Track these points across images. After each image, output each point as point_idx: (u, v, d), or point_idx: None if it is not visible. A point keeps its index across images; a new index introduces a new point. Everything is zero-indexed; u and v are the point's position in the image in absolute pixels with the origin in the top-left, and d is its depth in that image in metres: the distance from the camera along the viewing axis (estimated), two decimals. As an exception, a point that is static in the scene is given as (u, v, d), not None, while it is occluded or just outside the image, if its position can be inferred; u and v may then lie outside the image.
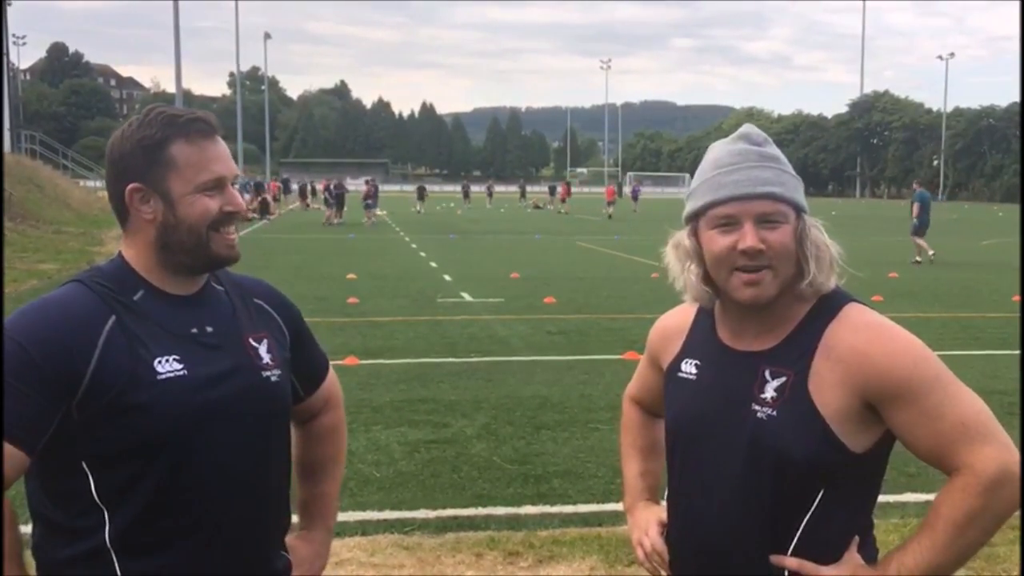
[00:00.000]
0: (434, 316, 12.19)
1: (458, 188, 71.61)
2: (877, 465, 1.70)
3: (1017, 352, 9.08)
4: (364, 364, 8.78)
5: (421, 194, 52.45)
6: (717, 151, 1.72)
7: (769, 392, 1.66)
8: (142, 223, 1.70)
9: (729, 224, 1.64)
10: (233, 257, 1.75)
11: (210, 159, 1.69)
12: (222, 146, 1.73)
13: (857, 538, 1.69)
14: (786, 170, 1.69)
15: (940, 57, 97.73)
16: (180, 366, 1.64)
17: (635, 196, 57.25)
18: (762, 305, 1.66)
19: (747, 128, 1.73)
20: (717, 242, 1.65)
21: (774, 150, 1.70)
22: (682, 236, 1.73)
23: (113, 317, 1.64)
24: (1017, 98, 72.71)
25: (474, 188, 64.91)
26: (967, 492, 1.56)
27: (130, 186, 1.69)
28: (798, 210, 1.67)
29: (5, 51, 35.42)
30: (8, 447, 1.53)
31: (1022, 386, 5.61)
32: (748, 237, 1.61)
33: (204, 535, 1.67)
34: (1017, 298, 12.98)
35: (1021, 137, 70.55)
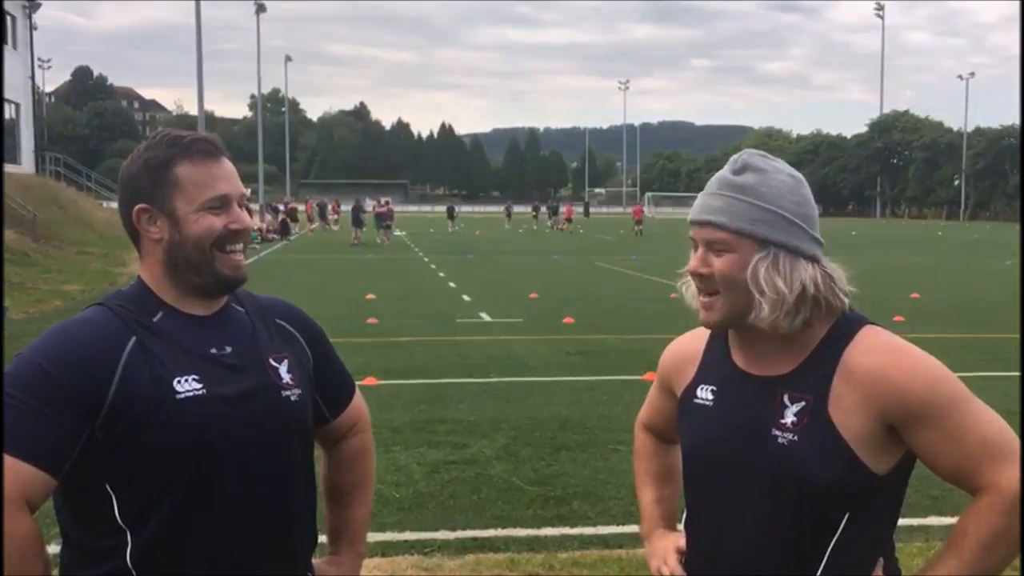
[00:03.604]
0: (453, 336, 12.20)
1: (477, 208, 72.05)
2: (899, 486, 1.69)
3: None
4: (383, 384, 8.80)
5: (451, 214, 53.35)
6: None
7: (789, 417, 1.66)
8: (151, 244, 1.73)
9: (693, 246, 1.72)
10: (239, 278, 1.76)
11: (214, 178, 1.71)
12: (227, 166, 1.75)
13: (882, 560, 1.68)
14: (745, 199, 1.65)
15: (960, 76, 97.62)
16: (199, 386, 1.65)
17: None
18: (712, 327, 1.73)
19: (736, 155, 1.76)
20: (689, 261, 1.73)
21: (749, 179, 1.67)
22: None
23: (133, 338, 1.65)
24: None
25: (492, 208, 65.67)
26: (993, 511, 1.56)
27: (137, 207, 1.72)
28: (764, 242, 1.64)
29: (31, 73, 35.95)
30: (34, 470, 1.54)
31: (1022, 397, 5.56)
32: (692, 260, 1.70)
33: (225, 555, 1.67)
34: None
35: (1021, 153, 69.90)
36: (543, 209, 61.98)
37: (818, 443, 1.62)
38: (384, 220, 37.76)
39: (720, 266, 1.65)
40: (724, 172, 1.72)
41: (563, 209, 58.39)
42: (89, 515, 1.66)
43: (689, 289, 1.77)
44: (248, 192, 1.85)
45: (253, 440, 1.70)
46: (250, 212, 1.83)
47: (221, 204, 1.71)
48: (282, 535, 1.76)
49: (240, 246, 1.76)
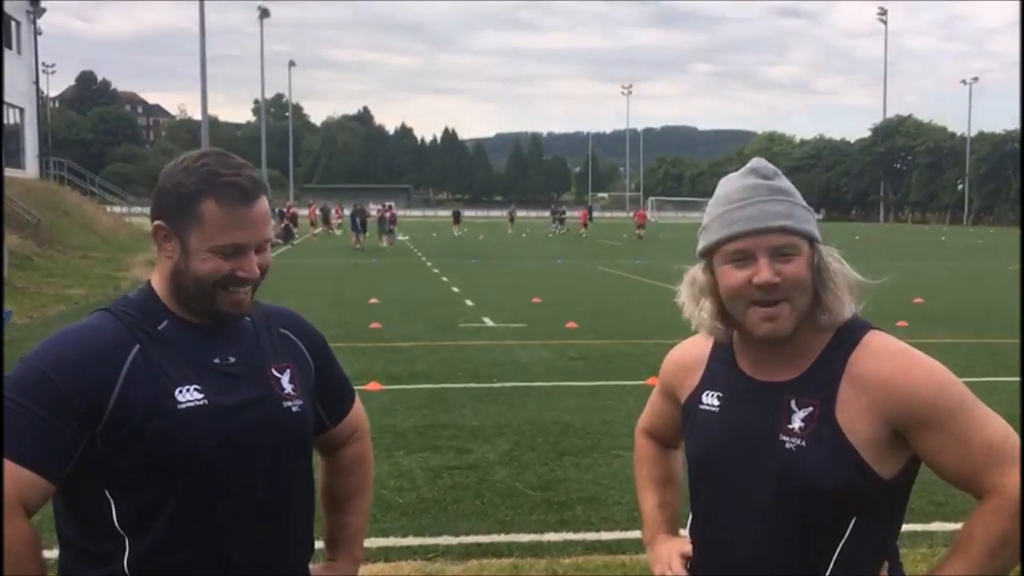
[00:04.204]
0: (456, 341, 12.20)
1: (480, 213, 71.97)
2: (904, 490, 1.70)
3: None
4: (386, 389, 8.80)
5: (457, 218, 53.47)
6: (728, 186, 1.72)
7: (796, 422, 1.66)
8: (164, 257, 1.74)
9: (743, 259, 1.65)
10: (238, 315, 1.76)
11: (235, 225, 1.68)
12: (257, 211, 1.71)
13: (887, 563, 1.68)
14: (797, 202, 1.69)
15: (963, 81, 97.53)
16: (200, 395, 1.66)
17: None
18: (780, 339, 1.66)
19: (756, 162, 1.74)
20: (732, 276, 1.65)
21: (784, 183, 1.71)
22: (696, 272, 1.75)
23: (137, 346, 1.66)
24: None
25: (495, 213, 65.63)
26: (999, 514, 1.56)
27: (157, 222, 1.73)
28: (812, 241, 1.68)
29: (35, 78, 36.02)
30: (31, 474, 1.55)
31: (1022, 402, 5.54)
32: (763, 271, 1.62)
33: (222, 563, 1.68)
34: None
35: (1021, 158, 69.71)
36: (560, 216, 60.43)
37: (826, 448, 1.62)
38: (387, 224, 37.81)
39: (793, 270, 1.63)
40: (755, 180, 1.69)
41: (578, 214, 58.68)
42: (88, 520, 1.66)
43: (704, 309, 1.73)
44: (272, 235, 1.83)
45: (253, 450, 1.70)
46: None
47: (235, 252, 1.70)
48: (280, 542, 1.76)
49: (246, 288, 1.74)
